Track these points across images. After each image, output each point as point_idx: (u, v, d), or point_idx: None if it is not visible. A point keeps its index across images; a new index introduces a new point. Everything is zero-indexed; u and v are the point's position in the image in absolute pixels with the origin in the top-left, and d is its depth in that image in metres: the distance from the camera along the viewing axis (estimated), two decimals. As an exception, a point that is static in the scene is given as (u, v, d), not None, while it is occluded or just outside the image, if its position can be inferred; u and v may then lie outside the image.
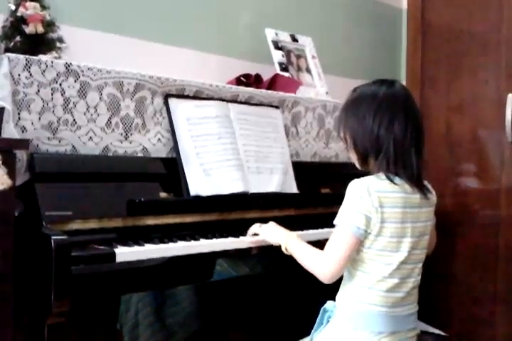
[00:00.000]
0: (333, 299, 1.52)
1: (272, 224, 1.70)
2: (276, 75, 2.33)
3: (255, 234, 1.71)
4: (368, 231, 1.41)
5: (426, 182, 1.52)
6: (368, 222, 1.40)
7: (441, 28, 3.05)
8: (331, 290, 1.53)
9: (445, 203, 2.87)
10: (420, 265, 1.50)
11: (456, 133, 2.95)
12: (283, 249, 1.57)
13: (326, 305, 1.53)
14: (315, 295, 1.76)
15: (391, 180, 1.43)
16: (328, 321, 1.51)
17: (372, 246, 1.43)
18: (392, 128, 1.43)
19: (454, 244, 2.87)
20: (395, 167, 1.43)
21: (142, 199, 1.62)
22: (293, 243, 1.57)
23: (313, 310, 1.57)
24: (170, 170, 1.77)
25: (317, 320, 1.54)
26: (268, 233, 1.68)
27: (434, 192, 1.56)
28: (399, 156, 1.43)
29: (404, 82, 3.18)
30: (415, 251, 1.46)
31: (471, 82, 2.92)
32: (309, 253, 1.51)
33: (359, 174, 1.48)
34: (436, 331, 2.43)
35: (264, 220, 1.73)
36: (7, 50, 1.65)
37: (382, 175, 1.44)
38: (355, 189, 1.42)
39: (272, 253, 1.68)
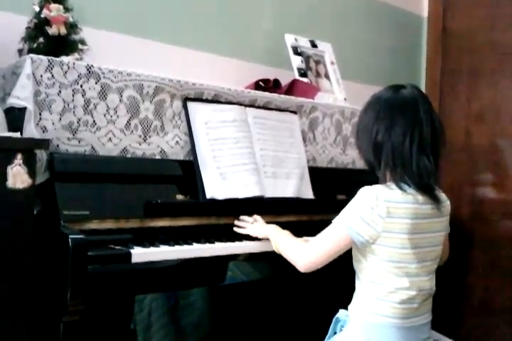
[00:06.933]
0: (346, 307, 1.50)
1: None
2: (295, 81, 2.34)
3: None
4: (369, 240, 1.38)
5: (440, 192, 1.47)
6: (367, 230, 1.37)
7: (462, 37, 3.04)
8: (343, 298, 1.53)
9: (462, 212, 2.86)
10: (433, 276, 1.48)
11: (476, 142, 2.94)
12: (273, 244, 1.60)
13: (338, 315, 1.51)
14: (327, 302, 1.75)
15: (403, 190, 1.38)
16: (341, 330, 1.49)
17: (378, 254, 1.40)
18: (389, 135, 1.39)
19: (471, 254, 2.84)
20: (400, 175, 1.38)
21: (159, 201, 1.64)
22: (280, 233, 1.61)
23: (326, 318, 1.56)
24: (187, 172, 1.78)
25: (330, 329, 1.52)
26: (256, 229, 1.70)
27: (448, 202, 1.51)
28: (397, 164, 1.38)
29: (423, 91, 3.15)
30: (426, 263, 1.44)
31: (490, 91, 2.90)
32: (293, 241, 1.55)
33: (376, 181, 1.47)
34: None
35: (279, 225, 1.73)
36: (30, 51, 1.67)
37: (392, 185, 1.41)
38: (364, 196, 1.39)
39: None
